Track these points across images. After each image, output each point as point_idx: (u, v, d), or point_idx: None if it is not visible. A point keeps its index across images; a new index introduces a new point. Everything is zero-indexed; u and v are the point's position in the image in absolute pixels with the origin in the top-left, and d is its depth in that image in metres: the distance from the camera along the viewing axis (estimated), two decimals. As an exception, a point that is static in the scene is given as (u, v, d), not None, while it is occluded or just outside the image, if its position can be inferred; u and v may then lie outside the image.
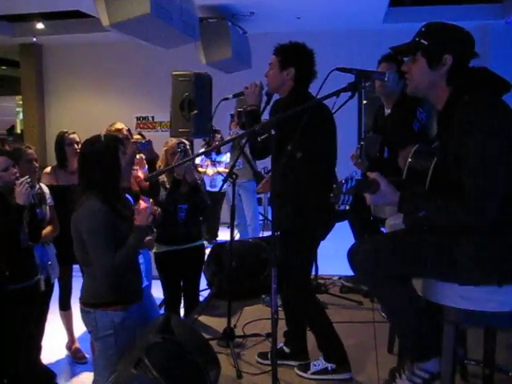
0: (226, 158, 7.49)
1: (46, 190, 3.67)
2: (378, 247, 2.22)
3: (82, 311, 2.73)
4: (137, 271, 2.85)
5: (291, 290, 3.02)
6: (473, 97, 2.00)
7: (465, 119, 1.97)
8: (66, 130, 4.12)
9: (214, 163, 7.51)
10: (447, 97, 2.10)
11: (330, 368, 2.95)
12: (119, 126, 4.15)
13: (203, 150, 7.40)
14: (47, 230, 3.61)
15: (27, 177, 3.19)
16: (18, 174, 3.21)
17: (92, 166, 2.66)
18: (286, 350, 3.21)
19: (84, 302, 2.72)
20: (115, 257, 2.58)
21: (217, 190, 7.04)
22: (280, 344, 3.18)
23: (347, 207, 2.00)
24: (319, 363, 2.99)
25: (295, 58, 2.96)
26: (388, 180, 2.10)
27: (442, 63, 2.08)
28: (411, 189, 2.20)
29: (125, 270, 2.68)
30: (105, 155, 2.65)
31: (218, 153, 7.61)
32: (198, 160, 7.55)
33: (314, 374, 2.98)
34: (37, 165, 3.56)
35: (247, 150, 3.83)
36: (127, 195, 2.99)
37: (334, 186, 1.97)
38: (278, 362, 2.79)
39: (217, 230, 8.10)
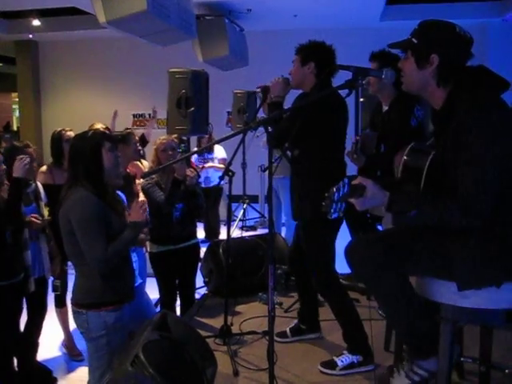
0: (222, 153, 7.42)
1: (40, 188, 3.67)
2: (375, 245, 2.21)
3: (74, 312, 2.69)
4: (130, 269, 2.83)
5: (316, 277, 3.16)
6: (472, 96, 1.99)
7: (464, 118, 1.96)
8: (63, 128, 4.11)
9: (206, 161, 7.46)
10: (446, 96, 2.09)
11: (356, 361, 3.03)
12: (96, 126, 4.22)
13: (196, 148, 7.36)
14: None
15: (27, 155, 3.27)
16: (3, 172, 3.23)
17: (76, 161, 2.69)
18: (303, 326, 3.49)
19: (76, 303, 2.68)
20: (108, 248, 2.54)
21: (212, 185, 7.02)
22: (294, 321, 3.54)
23: (340, 214, 1.98)
24: (345, 358, 3.05)
25: (314, 52, 3.12)
26: (375, 181, 2.07)
27: (429, 63, 2.07)
28: (401, 188, 2.18)
29: (118, 267, 2.66)
30: (86, 150, 2.65)
31: (210, 151, 7.50)
32: (192, 159, 7.52)
33: (342, 369, 3.02)
34: (35, 164, 3.56)
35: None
36: (119, 192, 2.96)
37: (326, 194, 1.93)
38: (297, 337, 3.45)
39: (217, 228, 7.94)
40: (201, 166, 7.37)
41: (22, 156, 3.23)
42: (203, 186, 7.02)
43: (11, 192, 3.20)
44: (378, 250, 2.17)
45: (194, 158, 7.48)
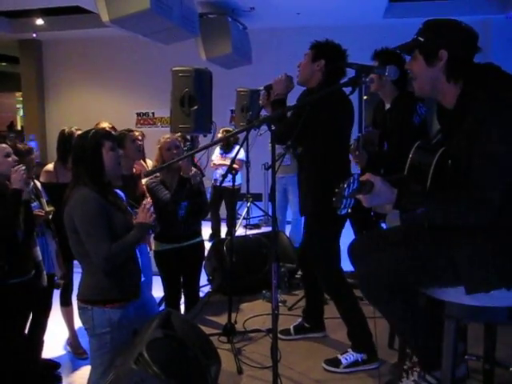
0: (240, 154, 7.26)
1: (39, 186, 3.69)
2: (379, 264, 2.19)
3: (79, 308, 2.71)
4: (136, 268, 2.84)
5: (320, 273, 3.17)
6: (489, 93, 1.97)
7: (483, 114, 1.94)
8: (74, 127, 4.09)
9: (224, 159, 7.38)
10: (458, 93, 2.08)
11: (360, 359, 3.03)
12: (102, 125, 4.20)
13: (218, 148, 7.32)
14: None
15: (21, 165, 3.24)
16: (16, 162, 3.23)
17: (78, 160, 2.72)
18: (307, 325, 3.49)
19: (81, 299, 2.70)
20: (111, 247, 2.56)
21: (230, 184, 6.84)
22: (299, 320, 3.55)
23: (349, 210, 1.97)
24: (349, 356, 3.05)
25: (327, 51, 3.14)
26: (383, 178, 2.07)
27: (439, 58, 2.06)
28: (409, 185, 2.17)
29: (124, 265, 2.67)
30: (87, 150, 2.68)
31: (228, 150, 7.36)
32: (215, 160, 7.43)
33: (346, 367, 3.02)
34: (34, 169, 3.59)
35: None
36: (118, 191, 2.96)
37: (336, 190, 1.93)
38: (300, 335, 3.45)
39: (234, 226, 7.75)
40: (212, 164, 7.33)
41: (17, 167, 3.19)
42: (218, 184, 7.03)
43: (12, 202, 3.15)
44: (382, 274, 2.16)
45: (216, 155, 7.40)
